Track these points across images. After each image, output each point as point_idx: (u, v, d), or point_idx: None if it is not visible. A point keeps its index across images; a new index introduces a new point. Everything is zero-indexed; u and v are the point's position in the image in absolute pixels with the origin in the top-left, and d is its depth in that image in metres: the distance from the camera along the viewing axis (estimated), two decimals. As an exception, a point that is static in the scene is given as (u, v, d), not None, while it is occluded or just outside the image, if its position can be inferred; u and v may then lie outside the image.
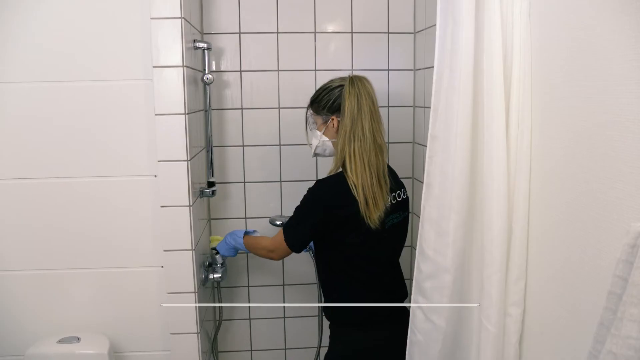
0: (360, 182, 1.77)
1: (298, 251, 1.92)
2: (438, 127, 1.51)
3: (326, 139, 1.91)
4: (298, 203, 1.86)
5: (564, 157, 1.30)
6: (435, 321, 1.56)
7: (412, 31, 2.50)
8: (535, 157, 1.43)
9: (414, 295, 1.60)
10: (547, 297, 1.39)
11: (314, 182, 1.89)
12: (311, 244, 2.05)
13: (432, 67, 2.17)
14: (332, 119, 1.87)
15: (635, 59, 1.01)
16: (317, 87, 1.93)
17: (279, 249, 1.93)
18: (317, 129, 1.93)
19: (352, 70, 2.49)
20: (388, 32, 2.50)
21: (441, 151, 1.50)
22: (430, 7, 2.26)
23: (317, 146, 1.94)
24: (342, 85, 1.84)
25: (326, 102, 1.86)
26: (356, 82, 1.83)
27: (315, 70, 2.47)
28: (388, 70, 2.53)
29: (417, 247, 1.57)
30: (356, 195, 1.77)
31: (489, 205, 1.45)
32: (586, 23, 1.20)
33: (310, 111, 1.96)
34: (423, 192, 1.55)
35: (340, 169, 1.85)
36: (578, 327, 1.24)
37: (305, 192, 1.85)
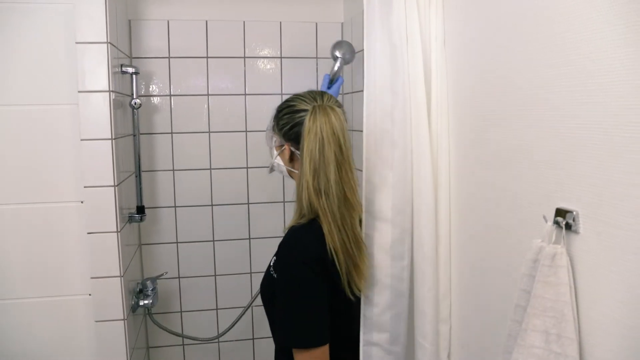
0: (339, 246, 1.35)
1: (327, 340, 1.35)
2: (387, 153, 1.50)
3: (281, 162, 1.52)
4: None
5: (478, 178, 1.36)
6: (396, 350, 1.53)
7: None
8: (453, 179, 1.50)
9: (365, 335, 1.48)
10: (467, 313, 1.45)
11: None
12: None
13: (361, 90, 2.26)
14: (286, 147, 1.47)
15: (538, 86, 1.09)
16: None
17: None
18: (274, 148, 1.54)
19: (282, 94, 2.52)
20: (317, 57, 2.55)
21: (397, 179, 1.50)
22: (357, 33, 2.32)
23: (272, 165, 1.57)
24: (306, 110, 1.39)
25: (284, 124, 1.45)
26: (320, 115, 1.36)
27: (245, 94, 2.49)
28: (317, 94, 2.57)
29: (371, 281, 1.46)
30: (336, 261, 1.34)
31: (418, 223, 1.50)
32: (493, 48, 1.28)
33: (271, 122, 1.55)
34: (365, 217, 1.47)
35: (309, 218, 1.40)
36: (493, 339, 1.30)
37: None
